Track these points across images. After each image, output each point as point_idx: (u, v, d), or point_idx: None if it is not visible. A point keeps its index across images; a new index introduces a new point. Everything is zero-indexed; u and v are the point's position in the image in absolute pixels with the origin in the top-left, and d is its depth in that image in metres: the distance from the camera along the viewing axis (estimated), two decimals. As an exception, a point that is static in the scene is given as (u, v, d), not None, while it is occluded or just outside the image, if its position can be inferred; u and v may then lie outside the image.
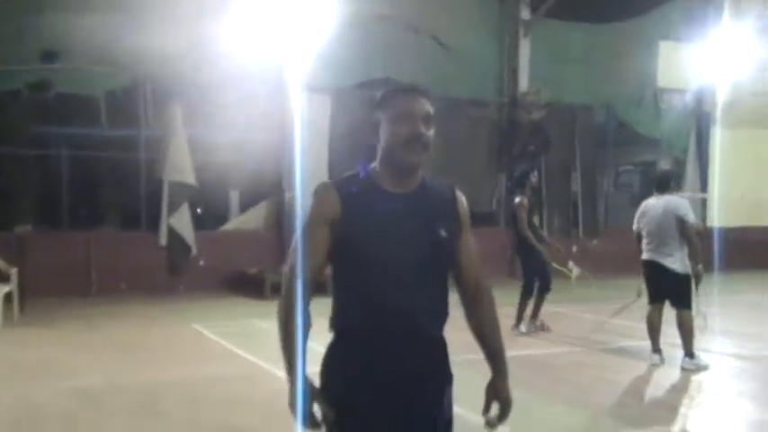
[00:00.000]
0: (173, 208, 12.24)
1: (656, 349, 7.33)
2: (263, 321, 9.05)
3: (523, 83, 15.09)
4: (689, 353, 7.07)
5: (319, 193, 2.45)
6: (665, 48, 16.31)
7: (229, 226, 13.67)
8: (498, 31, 15.41)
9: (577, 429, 5.39)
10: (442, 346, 2.53)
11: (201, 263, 12.46)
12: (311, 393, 2.35)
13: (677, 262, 7.03)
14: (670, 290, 7.15)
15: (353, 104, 13.84)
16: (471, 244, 2.60)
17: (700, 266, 7.16)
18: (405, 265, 2.40)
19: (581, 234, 15.77)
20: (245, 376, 6.84)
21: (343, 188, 2.45)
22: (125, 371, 7.13)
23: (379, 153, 2.50)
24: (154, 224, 12.33)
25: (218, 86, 12.72)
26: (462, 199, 2.59)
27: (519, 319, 8.88)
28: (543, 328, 9.02)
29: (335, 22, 12.36)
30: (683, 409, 5.91)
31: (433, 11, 14.50)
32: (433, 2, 14.47)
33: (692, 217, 7.15)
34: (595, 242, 15.76)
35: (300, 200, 12.13)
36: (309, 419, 2.34)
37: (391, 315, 2.39)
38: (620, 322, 10.10)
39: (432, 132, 2.52)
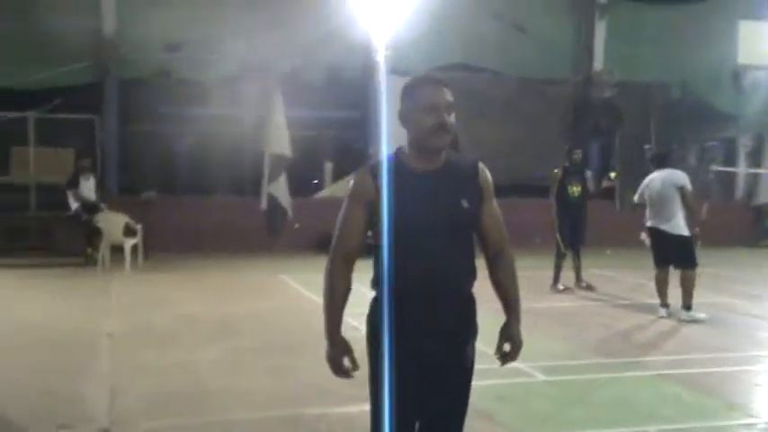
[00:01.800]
0: (272, 177, 14.02)
1: (665, 304, 8.30)
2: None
3: (598, 63, 15.95)
4: (686, 306, 8.07)
5: (357, 178, 2.86)
6: (745, 26, 16.62)
7: (322, 194, 15.43)
8: (574, 13, 16.27)
9: (558, 355, 6.68)
10: (468, 302, 2.87)
11: (296, 226, 14.19)
12: (343, 349, 2.82)
13: (677, 226, 8.02)
14: (673, 252, 8.13)
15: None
16: (494, 211, 2.91)
17: (696, 230, 8.10)
18: (432, 232, 2.74)
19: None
20: (313, 311, 8.48)
21: (376, 171, 2.81)
22: (220, 304, 8.96)
23: (408, 138, 2.84)
24: (256, 191, 14.15)
25: (312, 69, 14.45)
26: (485, 172, 2.89)
27: (555, 278, 10.10)
28: (588, 286, 10.07)
29: (418, 8, 13.68)
30: (654, 349, 7.06)
31: (512, -3, 15.58)
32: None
33: (689, 187, 8.11)
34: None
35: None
36: (340, 369, 2.83)
37: (420, 275, 2.75)
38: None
39: (453, 117, 2.84)
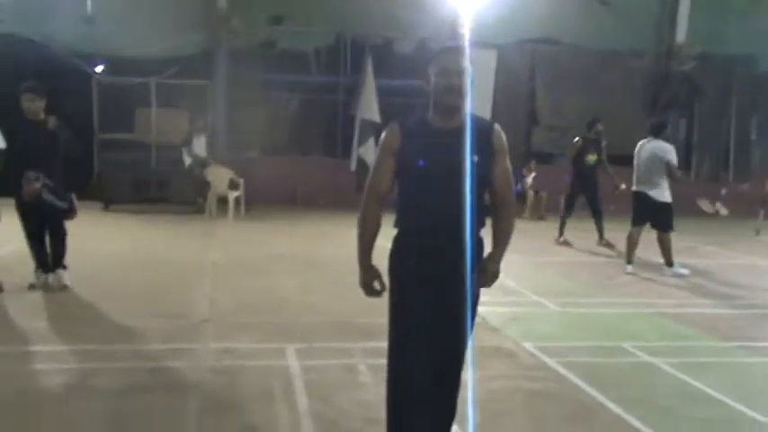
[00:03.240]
0: (362, 140, 15.36)
1: (630, 261, 9.03)
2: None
3: (681, 35, 16.37)
4: (668, 263, 8.87)
5: (387, 131, 3.27)
6: (836, -1, 16.61)
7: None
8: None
9: (575, 293, 7.80)
10: (471, 242, 3.19)
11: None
12: (373, 274, 3.31)
13: (660, 193, 8.74)
14: (652, 215, 8.86)
15: (516, 59, 16.07)
16: (503, 167, 3.27)
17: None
18: (446, 180, 3.13)
19: (731, 178, 16.91)
20: (384, 256, 9.82)
21: (404, 126, 3.24)
22: (306, 247, 10.43)
23: (430, 99, 3.22)
24: (347, 153, 15.51)
25: (402, 41, 15.65)
26: (499, 133, 3.26)
27: (560, 232, 11.25)
28: (608, 244, 10.92)
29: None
30: (658, 295, 8.03)
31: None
32: (594, -38, 16.10)
33: (675, 159, 8.74)
34: (746, 186, 16.82)
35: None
36: (371, 290, 3.33)
37: (435, 216, 3.17)
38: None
39: (467, 82, 3.20)
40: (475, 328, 3.38)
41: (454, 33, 15.33)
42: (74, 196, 7.07)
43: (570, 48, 16.24)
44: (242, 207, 13.47)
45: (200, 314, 6.36)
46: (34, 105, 6.79)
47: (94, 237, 10.16)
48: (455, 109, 3.19)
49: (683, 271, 8.87)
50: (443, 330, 3.23)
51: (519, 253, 10.14)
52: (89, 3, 14.46)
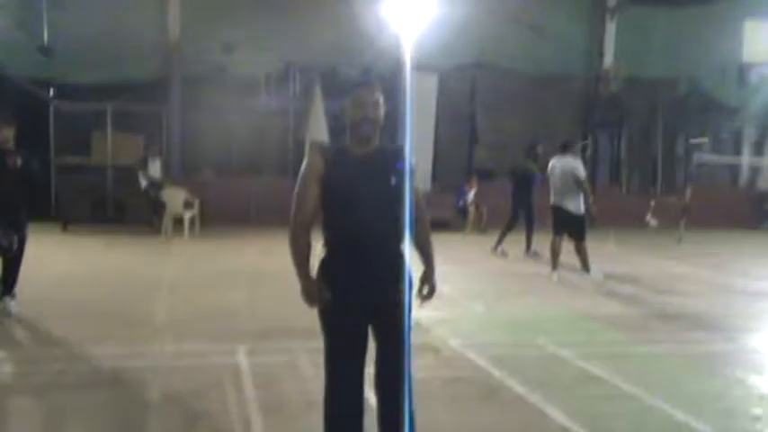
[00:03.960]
0: (312, 161, 16.07)
1: (555, 268, 9.85)
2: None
3: (608, 60, 17.54)
4: (586, 269, 9.70)
5: (309, 159, 3.48)
6: (750, 26, 17.94)
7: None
8: (587, 15, 17.88)
9: (499, 296, 8.62)
10: (395, 257, 3.48)
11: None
12: (314, 284, 3.46)
13: (573, 205, 9.59)
14: (569, 226, 9.70)
15: (456, 83, 17.01)
16: (415, 186, 3.56)
17: (594, 208, 9.69)
18: (366, 202, 3.38)
19: (659, 191, 18.06)
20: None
21: (325, 153, 3.51)
22: (255, 262, 11.08)
23: (347, 129, 3.48)
24: (297, 173, 16.12)
25: (348, 67, 16.47)
26: (408, 156, 3.54)
27: (499, 242, 12.03)
28: (535, 253, 11.78)
29: (441, 12, 15.40)
30: (587, 298, 8.92)
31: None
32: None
33: (582, 173, 9.61)
34: (673, 198, 17.97)
35: (409, 158, 15.61)
36: (313, 297, 3.46)
37: (357, 237, 3.41)
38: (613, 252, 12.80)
39: (380, 113, 3.44)
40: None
41: (396, 60, 16.26)
42: (25, 235, 7.11)
43: (507, 71, 17.23)
44: (196, 226, 14.06)
45: (156, 323, 7.00)
46: (3, 135, 6.92)
47: (52, 257, 10.69)
48: (369, 138, 3.45)
49: (599, 276, 9.71)
50: (381, 345, 3.52)
51: (456, 263, 11.03)
52: (45, 33, 14.98)
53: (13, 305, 7.10)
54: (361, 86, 3.54)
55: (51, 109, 15.46)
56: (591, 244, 9.99)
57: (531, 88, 17.28)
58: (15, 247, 7.02)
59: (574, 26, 17.67)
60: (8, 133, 6.98)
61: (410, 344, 3.56)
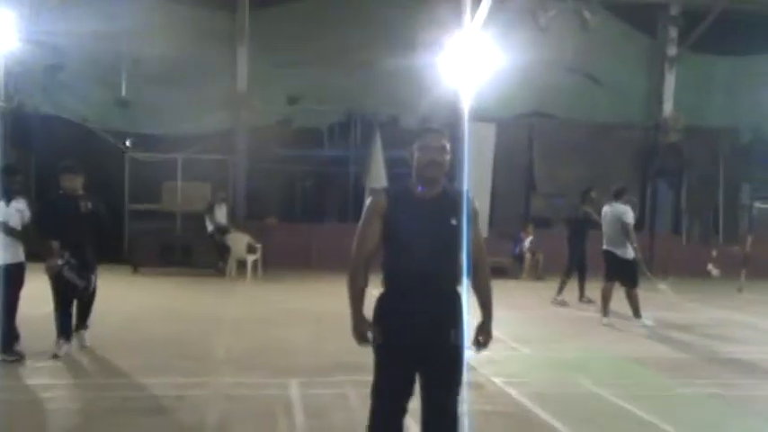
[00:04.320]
0: (372, 208, 16.52)
1: (605, 314, 9.98)
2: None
3: (667, 109, 17.60)
4: (636, 315, 9.76)
5: (374, 197, 3.62)
6: (811, 73, 17.81)
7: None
8: (647, 64, 18.05)
9: (544, 339, 8.77)
10: (451, 297, 3.56)
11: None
12: (366, 324, 3.56)
13: (624, 251, 9.70)
14: (619, 272, 9.79)
15: (514, 132, 17.34)
16: (478, 230, 3.64)
17: (639, 255, 9.79)
18: (426, 243, 3.48)
19: (721, 241, 17.85)
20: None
21: (389, 192, 3.66)
22: (315, 303, 11.47)
23: (413, 171, 3.58)
24: (358, 219, 16.60)
25: (408, 117, 16.99)
26: (472, 200, 3.63)
27: (559, 291, 11.95)
28: (589, 300, 11.76)
29: (500, 63, 15.82)
30: (618, 341, 8.99)
31: (588, 49, 17.44)
32: (587, 42, 17.38)
33: (629, 219, 9.72)
34: (736, 248, 17.73)
35: (471, 201, 15.94)
36: (363, 339, 3.59)
37: (416, 276, 3.49)
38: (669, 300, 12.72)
39: (447, 157, 3.56)
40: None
41: (454, 110, 16.70)
42: (95, 276, 7.51)
43: (564, 121, 17.47)
44: (259, 269, 14.60)
45: (218, 357, 7.44)
46: (73, 183, 7.34)
47: (124, 297, 11.32)
48: (435, 180, 3.56)
49: (649, 322, 9.73)
50: (431, 386, 3.57)
51: (509, 308, 11.20)
52: (123, 87, 15.99)
53: (86, 337, 7.58)
54: (429, 131, 3.66)
55: (126, 158, 16.36)
56: (647, 293, 10.06)
57: (589, 137, 17.45)
58: (93, 287, 7.50)
59: (632, 75, 17.85)
60: (78, 181, 7.40)
61: (462, 388, 3.64)
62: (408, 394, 3.59)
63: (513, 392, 6.27)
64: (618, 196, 10.17)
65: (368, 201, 3.65)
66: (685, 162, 17.67)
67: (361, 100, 16.84)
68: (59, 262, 7.10)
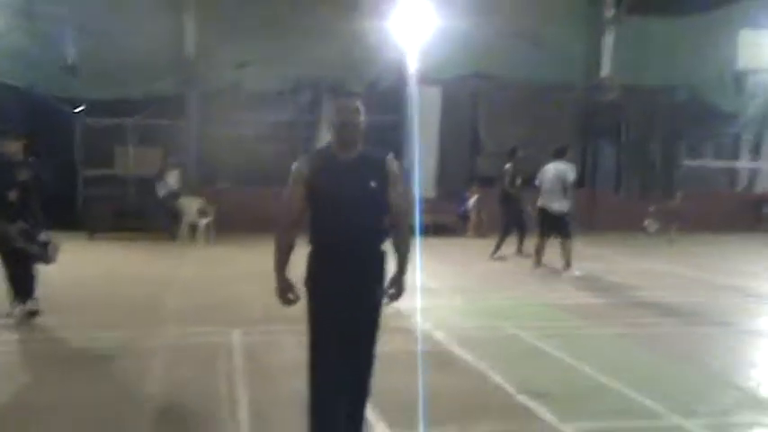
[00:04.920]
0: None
1: (538, 265, 10.69)
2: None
3: (605, 70, 18.20)
4: (568, 266, 10.45)
5: (297, 164, 3.85)
6: (745, 35, 18.52)
7: (365, 185, 18.31)
8: (585, 26, 18.51)
9: (458, 285, 9.39)
10: (375, 255, 3.80)
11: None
12: (288, 285, 3.87)
13: (559, 206, 10.38)
14: (554, 226, 10.47)
15: (459, 94, 17.81)
16: (397, 192, 3.82)
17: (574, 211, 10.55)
18: (347, 203, 3.69)
19: (658, 197, 18.63)
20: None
21: (311, 158, 3.85)
22: (263, 264, 11.88)
23: (332, 134, 3.80)
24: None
25: (354, 81, 17.33)
26: (392, 162, 3.82)
27: (497, 248, 12.48)
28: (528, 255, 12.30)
29: (442, 26, 16.18)
30: (512, 288, 9.66)
31: (527, 11, 17.85)
32: (527, 3, 17.81)
33: (571, 177, 10.42)
34: (673, 204, 18.56)
35: (416, 166, 16.48)
36: (286, 299, 3.90)
37: (339, 233, 3.74)
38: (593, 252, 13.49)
39: (361, 119, 3.72)
40: (384, 317, 3.97)
41: (400, 73, 17.11)
42: (51, 243, 7.40)
43: (507, 82, 17.95)
44: (212, 233, 14.97)
45: (166, 313, 7.89)
46: (10, 149, 7.32)
47: (78, 262, 11.62)
48: (352, 142, 3.75)
49: (578, 273, 10.42)
50: (353, 330, 3.84)
51: (450, 264, 11.82)
52: (70, 53, 16.05)
53: (33, 303, 7.37)
54: (341, 96, 3.93)
55: (77, 124, 16.48)
56: (580, 246, 10.70)
57: (530, 98, 17.94)
58: (52, 254, 7.40)
59: (571, 36, 18.30)
60: (17, 146, 7.40)
61: (375, 347, 3.94)
62: (343, 344, 3.81)
63: (438, 335, 6.85)
64: (560, 155, 10.76)
65: (293, 168, 3.86)
66: (623, 121, 18.34)
67: (308, 64, 17.08)
68: (12, 229, 7.09)
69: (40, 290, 7.52)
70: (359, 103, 3.79)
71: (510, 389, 5.24)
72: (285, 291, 3.89)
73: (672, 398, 5.02)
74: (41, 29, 15.84)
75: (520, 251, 12.68)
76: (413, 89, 16.95)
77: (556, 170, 10.53)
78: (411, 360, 6.01)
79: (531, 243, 12.23)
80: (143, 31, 16.29)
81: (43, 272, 7.70)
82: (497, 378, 5.49)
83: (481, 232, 16.18)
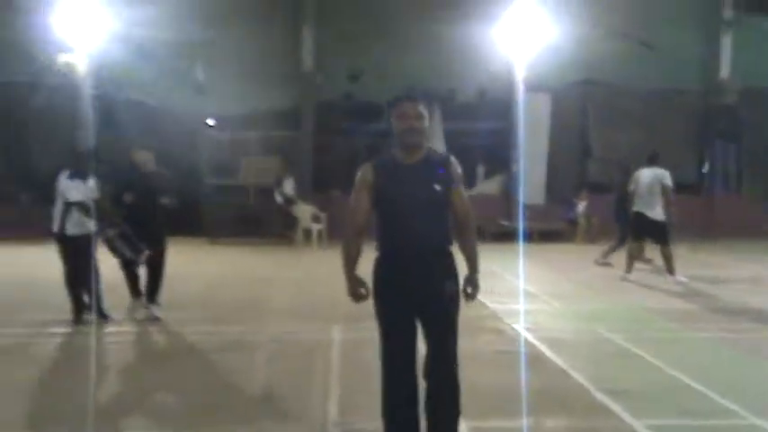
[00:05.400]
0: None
1: (629, 271, 10.60)
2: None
3: (723, 72, 17.66)
4: (670, 272, 10.32)
5: (361, 170, 3.88)
6: None
7: (474, 191, 18.57)
8: (701, 27, 18.06)
9: (556, 291, 9.46)
10: (441, 256, 3.81)
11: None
12: (358, 284, 3.92)
13: (653, 212, 10.24)
14: (651, 232, 10.37)
15: (569, 100, 17.77)
16: (460, 193, 3.84)
17: (674, 217, 10.26)
18: (412, 207, 3.74)
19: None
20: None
21: (376, 164, 3.88)
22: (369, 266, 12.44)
23: (395, 140, 3.83)
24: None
25: (463, 90, 17.67)
26: (454, 164, 3.85)
27: (607, 253, 12.34)
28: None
29: (551, 34, 16.21)
30: (611, 294, 9.58)
31: (639, 16, 17.65)
32: (639, 7, 17.57)
33: (670, 182, 10.22)
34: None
35: (522, 175, 16.61)
36: (357, 297, 3.94)
37: (405, 238, 3.79)
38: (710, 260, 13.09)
39: (423, 123, 3.77)
40: (479, 319, 4.29)
41: (509, 82, 17.24)
42: (151, 251, 7.69)
43: (618, 88, 17.76)
44: (324, 238, 15.67)
45: (275, 310, 8.51)
46: (141, 157, 7.93)
47: (201, 265, 12.58)
48: (415, 146, 3.80)
49: (683, 279, 10.29)
50: (430, 333, 3.86)
51: (552, 270, 11.91)
52: (199, 74, 17.28)
53: (155, 309, 7.86)
54: (405, 99, 3.85)
55: (203, 138, 17.66)
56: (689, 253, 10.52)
57: (644, 103, 17.71)
58: (141, 261, 7.72)
59: (687, 39, 17.91)
60: (147, 156, 7.98)
61: (456, 337, 3.91)
62: (412, 343, 3.87)
63: (529, 337, 7.07)
64: (653, 161, 10.68)
65: (357, 175, 3.91)
66: (744, 124, 17.72)
67: (419, 74, 17.56)
68: (111, 232, 7.51)
69: (177, 290, 8.31)
70: (421, 108, 3.82)
71: (590, 387, 5.42)
72: (356, 287, 3.95)
73: (754, 401, 5.06)
74: (173, 54, 17.10)
75: (641, 256, 12.47)
76: (522, 96, 17.06)
77: (652, 176, 10.45)
78: (499, 358, 6.32)
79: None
80: (264, 49, 17.30)
81: (175, 273, 8.50)
82: (579, 376, 5.67)
83: (590, 238, 16.09)
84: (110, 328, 7.49)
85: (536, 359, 6.27)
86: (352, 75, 18.08)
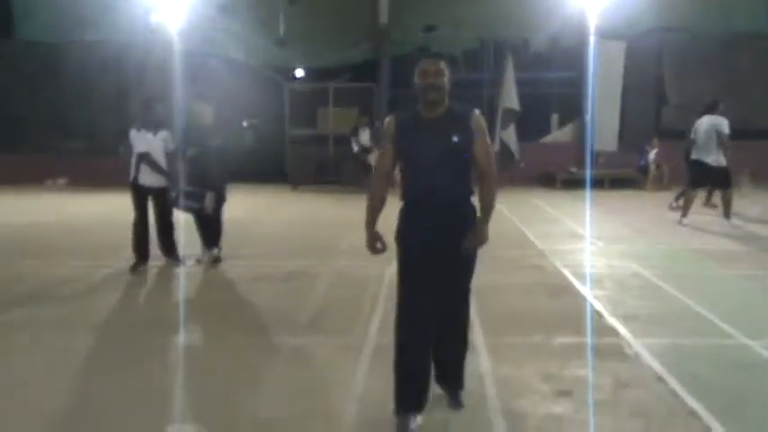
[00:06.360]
0: (504, 126, 17.73)
1: (685, 215, 10.87)
2: (545, 203, 14.44)
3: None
4: (726, 215, 10.66)
5: (386, 123, 4.02)
6: None
7: (547, 139, 18.89)
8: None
9: (604, 232, 9.90)
10: (461, 207, 3.91)
11: (522, 165, 17.85)
12: (375, 237, 4.05)
13: (714, 158, 10.53)
14: (712, 179, 10.70)
15: (643, 48, 17.71)
16: (483, 144, 3.89)
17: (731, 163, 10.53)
18: (431, 160, 3.84)
19: None
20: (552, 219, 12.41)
21: (398, 117, 3.98)
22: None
23: (418, 95, 3.88)
24: (491, 137, 17.91)
25: (535, 39, 17.89)
26: (477, 117, 3.88)
27: (679, 198, 12.50)
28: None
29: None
30: (659, 235, 9.92)
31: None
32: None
33: (727, 129, 10.43)
34: None
35: (592, 123, 16.82)
36: (374, 249, 4.06)
37: (424, 189, 3.89)
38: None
39: (443, 80, 3.82)
40: (522, 257, 4.58)
41: (581, 30, 17.33)
42: (209, 194, 7.82)
43: (695, 34, 17.57)
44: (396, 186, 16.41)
45: (340, 248, 9.37)
46: (198, 109, 8.05)
47: (280, 208, 13.58)
48: (435, 102, 3.85)
49: (737, 221, 10.59)
50: (443, 275, 3.92)
51: (614, 214, 12.30)
52: (281, 29, 18.15)
53: (216, 251, 8.26)
54: (424, 58, 3.93)
55: (286, 89, 18.61)
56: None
57: (723, 49, 17.48)
58: (211, 208, 7.88)
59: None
60: (204, 109, 8.02)
61: (469, 287, 4.07)
62: (430, 287, 3.89)
63: (564, 271, 7.68)
64: (712, 109, 10.88)
65: (384, 124, 4.05)
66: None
67: (492, 26, 17.89)
68: (173, 194, 7.84)
69: (254, 231, 9.14)
70: (443, 64, 3.88)
71: (605, 312, 6.04)
72: (373, 241, 4.06)
73: (751, 325, 5.56)
74: (255, 6, 18.01)
75: (708, 202, 12.75)
76: (595, 45, 17.17)
77: (709, 124, 10.67)
78: (530, 289, 6.97)
79: (716, 197, 12.17)
80: (342, 3, 18.00)
81: (254, 216, 9.43)
82: (598, 304, 6.29)
83: (660, 186, 16.25)
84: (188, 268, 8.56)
85: (564, 290, 6.90)
86: (427, 27, 18.55)
